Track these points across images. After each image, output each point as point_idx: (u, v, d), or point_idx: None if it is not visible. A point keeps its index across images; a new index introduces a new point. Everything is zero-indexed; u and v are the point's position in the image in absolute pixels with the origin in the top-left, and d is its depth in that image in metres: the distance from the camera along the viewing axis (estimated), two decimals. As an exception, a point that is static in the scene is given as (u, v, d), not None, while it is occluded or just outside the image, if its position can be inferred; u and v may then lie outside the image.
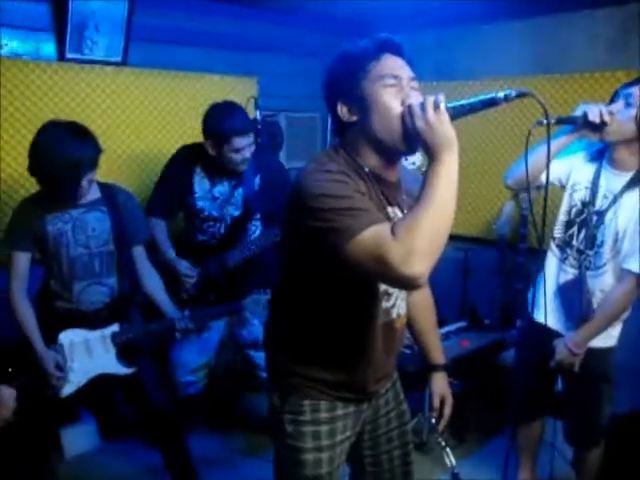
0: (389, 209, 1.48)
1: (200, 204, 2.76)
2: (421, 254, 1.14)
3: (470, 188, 3.91)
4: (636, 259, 2.08)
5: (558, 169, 2.23)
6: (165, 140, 3.39)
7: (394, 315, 1.58)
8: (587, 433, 2.44)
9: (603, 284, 2.19)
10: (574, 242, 2.23)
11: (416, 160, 3.52)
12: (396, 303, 1.58)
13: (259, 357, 2.95)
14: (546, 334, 2.28)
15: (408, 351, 2.81)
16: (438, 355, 1.86)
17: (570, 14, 3.31)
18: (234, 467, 2.98)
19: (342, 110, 1.43)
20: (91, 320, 2.39)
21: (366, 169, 1.43)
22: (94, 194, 2.38)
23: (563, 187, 2.28)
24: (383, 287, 1.51)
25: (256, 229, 2.86)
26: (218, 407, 3.40)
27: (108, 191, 2.42)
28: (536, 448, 2.70)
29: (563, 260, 2.27)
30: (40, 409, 2.38)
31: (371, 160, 1.44)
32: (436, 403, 1.83)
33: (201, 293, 2.80)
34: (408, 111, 1.31)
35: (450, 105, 1.28)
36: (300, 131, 3.95)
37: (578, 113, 1.99)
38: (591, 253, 2.18)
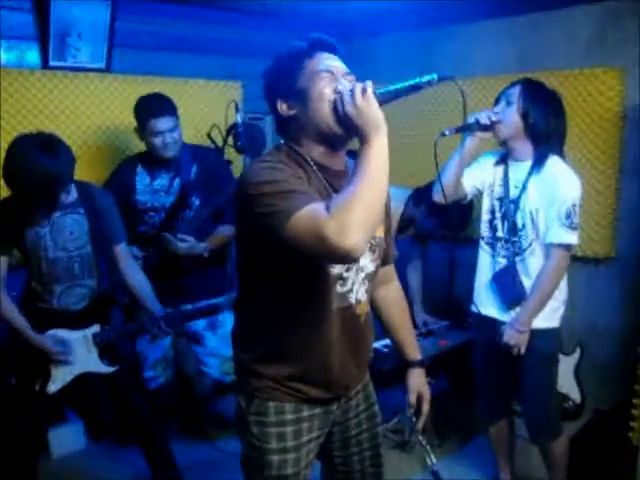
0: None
1: (142, 198, 2.86)
2: (355, 227, 1.18)
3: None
4: (553, 232, 2.25)
5: (473, 179, 2.46)
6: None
7: (352, 300, 1.57)
8: (544, 422, 2.49)
9: (534, 263, 2.33)
10: (499, 234, 2.40)
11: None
12: (353, 288, 1.57)
13: (201, 352, 3.03)
14: (496, 326, 2.41)
15: (385, 349, 2.83)
16: (413, 351, 1.84)
17: (550, 12, 3.36)
18: (219, 470, 2.95)
19: (282, 107, 1.49)
20: (72, 321, 2.42)
21: (309, 159, 1.48)
22: (71, 195, 2.38)
23: (482, 192, 2.49)
24: (336, 271, 1.51)
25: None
26: (189, 409, 3.43)
27: (85, 191, 2.42)
28: (509, 446, 2.73)
29: (495, 254, 2.43)
30: (28, 408, 2.42)
31: (314, 151, 1.49)
32: (412, 399, 1.81)
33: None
34: (339, 98, 1.37)
35: (378, 91, 1.34)
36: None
37: (471, 121, 2.28)
38: (516, 239, 2.35)
